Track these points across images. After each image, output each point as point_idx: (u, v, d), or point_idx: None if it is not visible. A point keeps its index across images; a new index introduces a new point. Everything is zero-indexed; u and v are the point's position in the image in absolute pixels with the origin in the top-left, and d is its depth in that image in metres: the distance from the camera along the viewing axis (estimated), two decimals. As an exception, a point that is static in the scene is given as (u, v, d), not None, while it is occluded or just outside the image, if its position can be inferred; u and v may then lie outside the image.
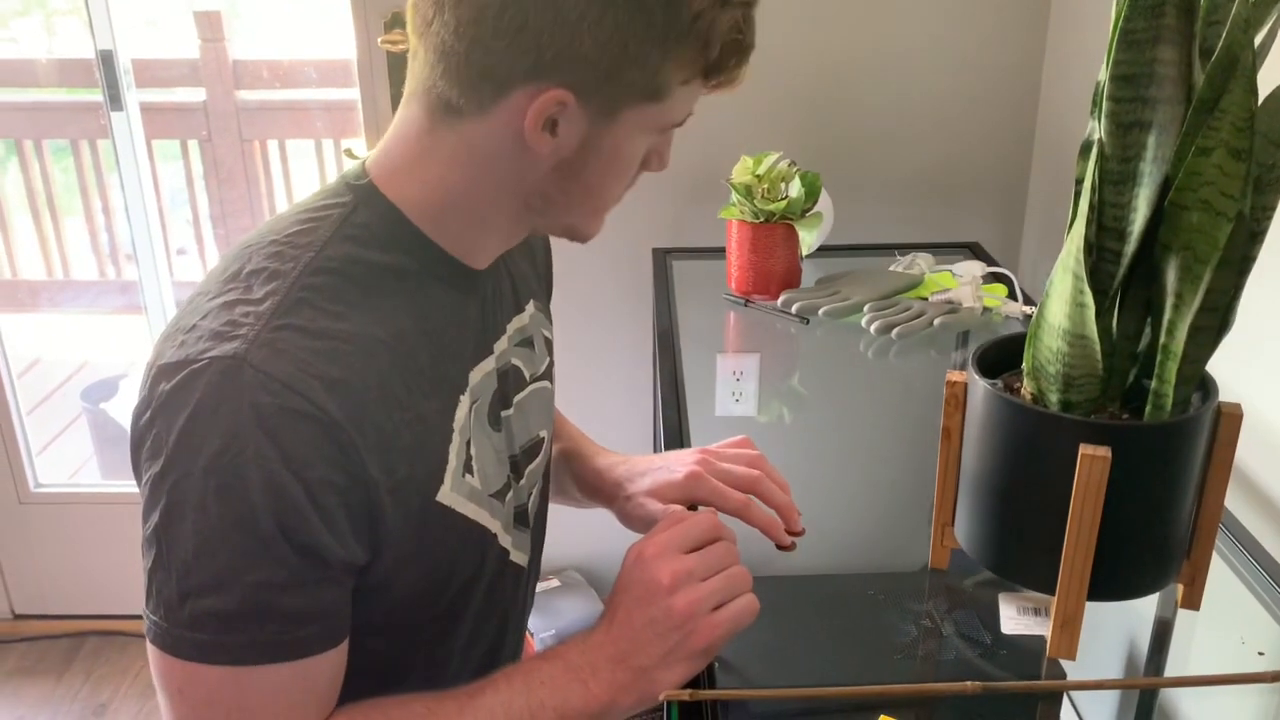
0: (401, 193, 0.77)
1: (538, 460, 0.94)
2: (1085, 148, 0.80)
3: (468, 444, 0.81)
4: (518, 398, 0.90)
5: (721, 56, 0.74)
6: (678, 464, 0.94)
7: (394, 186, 0.77)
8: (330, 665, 0.73)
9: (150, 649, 0.70)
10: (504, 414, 0.87)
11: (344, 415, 0.69)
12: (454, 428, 0.79)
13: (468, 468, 0.80)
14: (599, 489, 1.02)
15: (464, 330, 0.82)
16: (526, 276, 0.96)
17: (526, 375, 0.92)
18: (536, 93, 0.70)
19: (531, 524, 0.93)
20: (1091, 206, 0.78)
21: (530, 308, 0.95)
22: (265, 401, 0.66)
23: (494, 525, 0.84)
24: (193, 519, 0.66)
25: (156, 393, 0.68)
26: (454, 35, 0.70)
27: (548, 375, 0.97)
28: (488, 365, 0.85)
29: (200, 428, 0.66)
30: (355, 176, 0.79)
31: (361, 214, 0.77)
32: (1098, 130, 0.78)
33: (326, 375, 0.69)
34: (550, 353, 0.99)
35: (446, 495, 0.78)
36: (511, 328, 0.90)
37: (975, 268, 1.64)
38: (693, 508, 0.93)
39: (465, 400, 0.81)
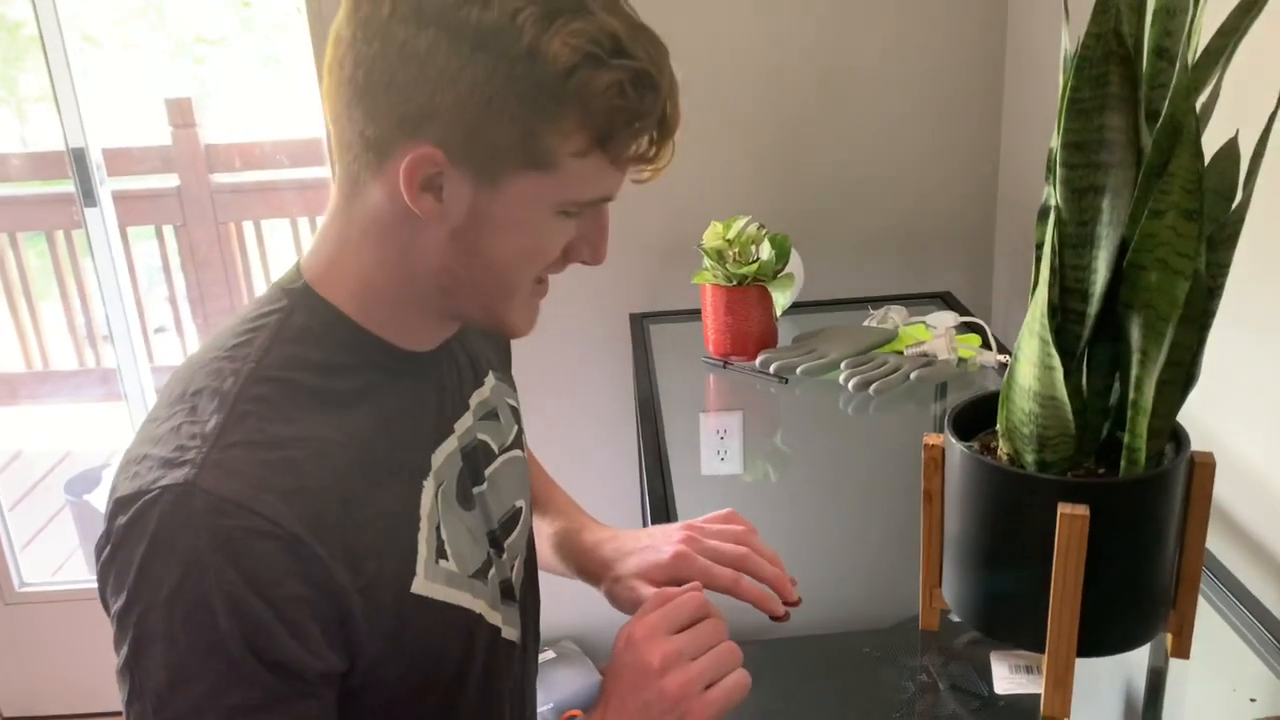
0: (333, 289, 0.77)
1: (517, 531, 0.93)
2: (1043, 212, 0.82)
3: (438, 529, 0.80)
4: (489, 471, 0.90)
5: (611, 125, 0.70)
6: (664, 543, 0.94)
7: (326, 284, 0.77)
8: None
9: None
10: (476, 490, 0.87)
11: (303, 526, 0.68)
12: (421, 515, 0.78)
13: (441, 553, 0.80)
14: (586, 568, 1.01)
15: (420, 415, 0.82)
16: (482, 347, 0.96)
17: (495, 447, 0.92)
18: (409, 151, 0.70)
19: (519, 596, 0.93)
20: (1053, 270, 0.79)
21: (490, 379, 0.95)
22: (221, 525, 0.66)
23: (478, 606, 0.84)
24: (162, 650, 0.66)
25: (115, 527, 0.68)
26: (343, 104, 0.71)
27: (518, 444, 0.97)
28: (450, 446, 0.84)
29: (159, 559, 0.66)
30: (290, 280, 0.79)
31: (298, 317, 0.77)
32: (1054, 195, 0.80)
33: (281, 487, 0.68)
34: (518, 420, 0.98)
35: (421, 585, 0.77)
36: (473, 402, 0.90)
37: (948, 318, 1.66)
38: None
39: (430, 485, 0.80)
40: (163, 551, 0.66)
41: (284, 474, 0.69)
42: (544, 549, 1.05)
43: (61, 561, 2.81)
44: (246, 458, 0.68)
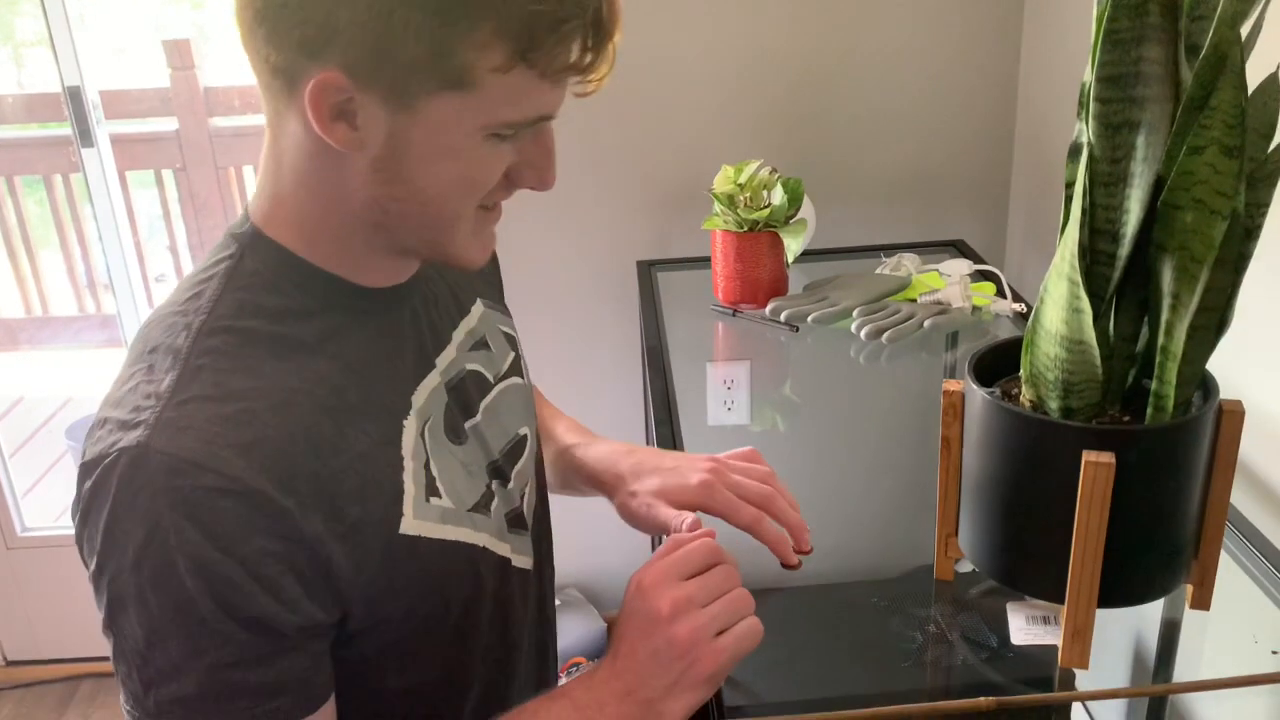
0: (280, 229, 0.74)
1: (524, 459, 0.91)
2: (1074, 150, 0.78)
3: (427, 466, 0.78)
4: (485, 402, 0.87)
5: (532, 33, 0.63)
6: (690, 470, 0.91)
7: (273, 224, 0.74)
8: None
9: None
10: (469, 424, 0.85)
11: (266, 478, 0.66)
12: (404, 454, 0.76)
13: (432, 490, 0.77)
14: (599, 478, 0.97)
15: (394, 353, 0.79)
16: (467, 276, 0.93)
17: (490, 377, 0.89)
18: (313, 77, 0.65)
19: (531, 525, 0.91)
20: (1083, 210, 0.76)
21: (478, 307, 0.92)
22: (178, 484, 0.64)
23: (480, 539, 0.82)
24: (135, 612, 0.65)
25: (82, 492, 0.67)
26: (248, 29, 0.67)
27: (516, 371, 0.93)
28: (432, 381, 0.82)
29: (122, 523, 0.64)
30: (238, 225, 0.76)
31: (248, 262, 0.74)
32: (1085, 132, 0.77)
33: (238, 441, 0.66)
34: (514, 348, 0.95)
35: (411, 525, 0.75)
36: (459, 334, 0.87)
37: (962, 266, 1.63)
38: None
39: (412, 423, 0.78)
40: (124, 515, 0.64)
41: (242, 427, 0.67)
42: (549, 469, 1.03)
43: (63, 507, 2.81)
44: (201, 414, 0.66)
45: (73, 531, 0.70)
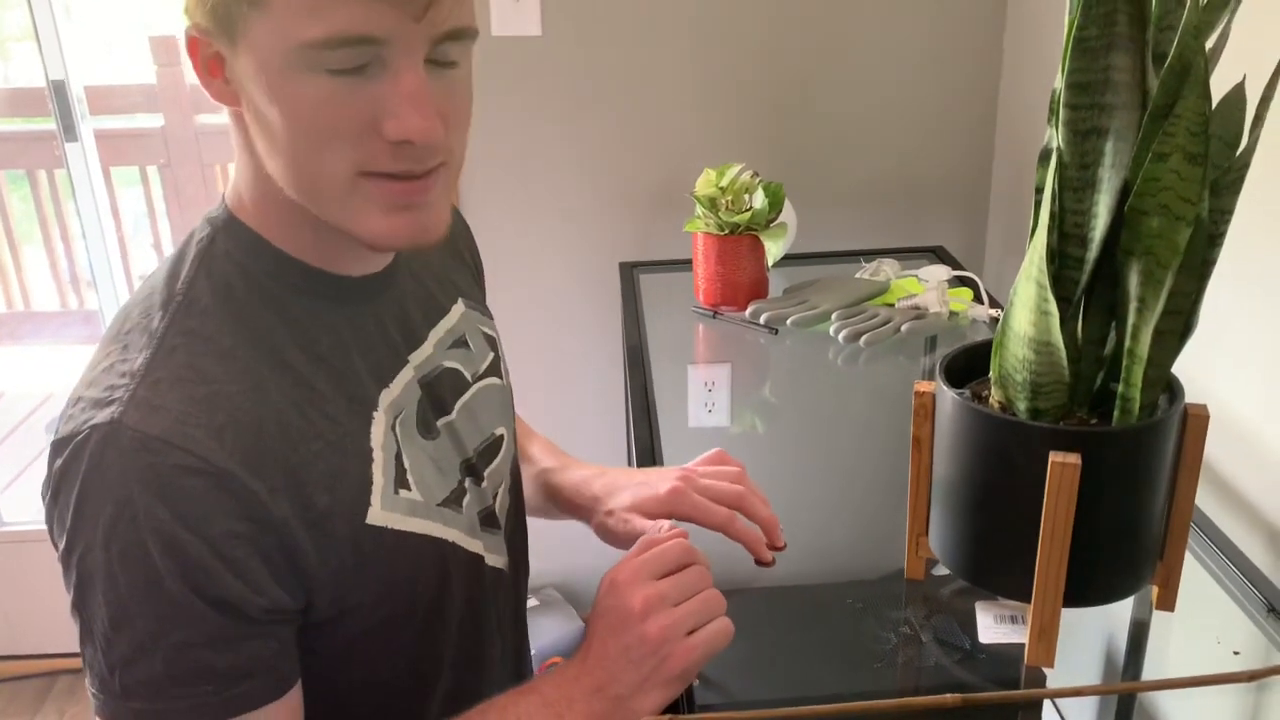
0: (247, 213, 0.75)
1: (499, 459, 0.91)
2: (1044, 155, 0.80)
3: (397, 458, 0.78)
4: (462, 400, 0.88)
5: None
6: (659, 480, 0.93)
7: (242, 208, 0.75)
8: (278, 719, 0.71)
9: None
10: (442, 421, 0.85)
11: (236, 461, 0.67)
12: (372, 446, 0.77)
13: (401, 483, 0.78)
14: (574, 503, 0.99)
15: (367, 346, 0.79)
16: (450, 275, 0.93)
17: (467, 375, 0.90)
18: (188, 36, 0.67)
19: (504, 524, 0.92)
20: (1052, 214, 0.78)
21: (459, 306, 0.92)
22: (148, 462, 0.64)
23: (449, 534, 0.82)
24: (103, 590, 0.65)
25: (53, 471, 0.67)
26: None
27: (495, 372, 0.94)
28: (405, 376, 0.82)
29: (92, 499, 0.65)
30: (215, 209, 0.77)
31: (220, 244, 0.75)
32: (1055, 138, 0.78)
33: (210, 423, 0.67)
34: (494, 348, 0.96)
35: (378, 516, 0.76)
36: (438, 332, 0.88)
37: (940, 272, 1.64)
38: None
39: (382, 417, 0.78)
40: (95, 492, 0.65)
41: (214, 409, 0.67)
42: (526, 491, 1.04)
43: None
44: (174, 394, 0.67)
45: (51, 527, 0.70)
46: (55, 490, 0.67)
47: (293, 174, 0.69)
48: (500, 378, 0.95)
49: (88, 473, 0.65)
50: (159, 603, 0.65)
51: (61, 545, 0.67)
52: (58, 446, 0.67)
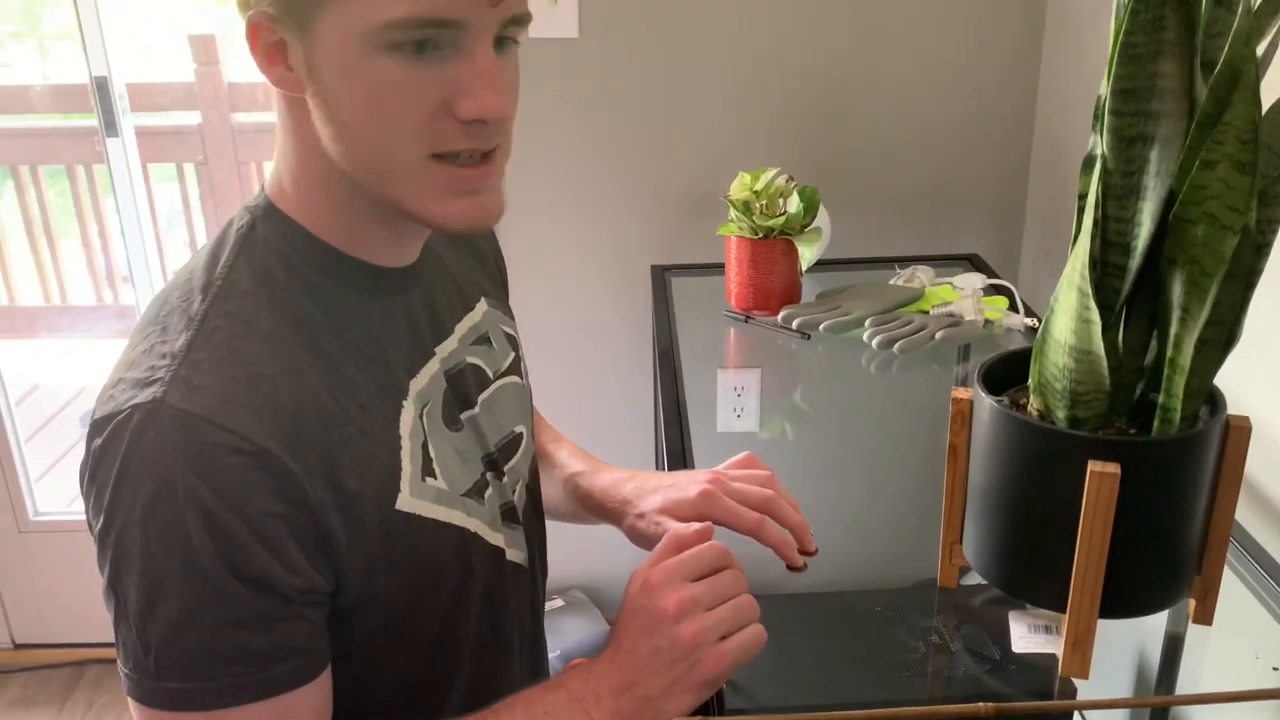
0: (288, 202, 0.76)
1: (518, 456, 0.92)
2: (1088, 162, 0.79)
3: (424, 447, 0.79)
4: (483, 396, 0.88)
5: None
6: (689, 483, 0.93)
7: (282, 197, 0.76)
8: (310, 701, 0.71)
9: (130, 704, 0.69)
10: (466, 415, 0.86)
11: (275, 441, 0.67)
12: (401, 434, 0.77)
13: (428, 471, 0.79)
14: (605, 506, 0.99)
15: (396, 336, 0.80)
16: (473, 275, 0.94)
17: (489, 372, 0.90)
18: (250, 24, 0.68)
19: (523, 521, 0.92)
20: (1095, 221, 0.77)
21: (482, 305, 0.93)
22: (190, 440, 0.65)
23: (472, 524, 0.82)
24: (140, 568, 0.66)
25: (91, 450, 0.68)
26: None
27: (515, 370, 0.95)
28: (432, 368, 0.83)
29: (131, 477, 0.65)
30: (254, 199, 0.78)
31: (260, 231, 0.76)
32: (1100, 145, 0.77)
33: (250, 403, 0.67)
34: (515, 348, 0.96)
35: (407, 502, 0.76)
36: (462, 328, 0.89)
37: (975, 280, 1.63)
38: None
39: (410, 406, 0.79)
40: (134, 470, 0.65)
41: (253, 390, 0.68)
42: (555, 495, 1.04)
43: (75, 494, 2.81)
44: (215, 374, 0.68)
45: (84, 518, 0.71)
46: (94, 469, 0.68)
47: (365, 156, 0.70)
48: (520, 377, 0.96)
49: (128, 451, 0.65)
50: (195, 581, 0.65)
51: (99, 524, 0.68)
52: (97, 426, 0.68)
